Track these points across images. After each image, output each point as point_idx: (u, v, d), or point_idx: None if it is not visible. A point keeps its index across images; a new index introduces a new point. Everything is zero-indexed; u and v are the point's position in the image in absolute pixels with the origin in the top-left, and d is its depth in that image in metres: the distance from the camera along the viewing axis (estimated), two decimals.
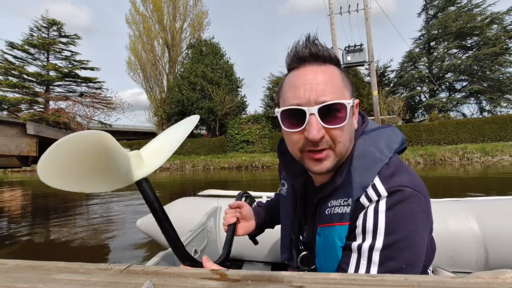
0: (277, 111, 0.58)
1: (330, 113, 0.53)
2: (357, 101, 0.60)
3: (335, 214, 0.58)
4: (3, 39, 27.96)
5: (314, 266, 0.68)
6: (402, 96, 19.83)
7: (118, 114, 25.49)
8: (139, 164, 0.48)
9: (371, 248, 0.51)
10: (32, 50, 22.93)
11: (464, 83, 19.08)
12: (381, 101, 16.01)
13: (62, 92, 24.38)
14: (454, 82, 19.46)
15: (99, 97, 23.93)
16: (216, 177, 9.61)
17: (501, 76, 16.99)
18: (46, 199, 6.21)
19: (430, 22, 20.21)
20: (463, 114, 19.57)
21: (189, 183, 8.17)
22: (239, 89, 20.76)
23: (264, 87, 20.90)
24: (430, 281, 0.29)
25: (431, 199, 1.48)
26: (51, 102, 22.80)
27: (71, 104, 21.97)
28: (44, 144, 3.42)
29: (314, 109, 0.52)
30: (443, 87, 19.92)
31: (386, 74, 21.68)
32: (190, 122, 0.60)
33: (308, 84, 0.54)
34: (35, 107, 22.69)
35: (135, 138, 29.54)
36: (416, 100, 20.56)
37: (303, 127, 0.54)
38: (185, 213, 1.65)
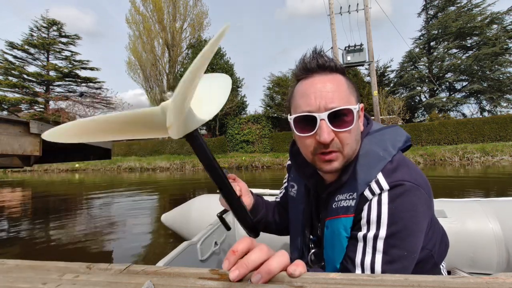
0: (290, 118, 0.64)
1: (338, 118, 0.58)
2: (362, 105, 0.65)
3: (341, 207, 0.63)
4: (3, 39, 27.95)
5: (323, 263, 0.71)
6: (402, 96, 19.81)
7: None
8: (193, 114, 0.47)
9: (376, 237, 0.56)
10: (32, 50, 22.90)
11: (464, 83, 19.04)
12: (381, 101, 16.00)
13: (62, 92, 24.37)
14: (454, 82, 19.43)
15: (99, 97, 23.91)
16: None
17: (501, 76, 16.96)
18: (46, 199, 6.21)
19: (430, 22, 20.19)
20: (463, 114, 19.56)
21: (189, 183, 8.17)
22: (239, 89, 20.76)
23: (264, 86, 20.91)
24: (430, 281, 0.29)
25: (450, 199, 1.48)
26: (51, 102, 22.79)
27: (71, 104, 21.96)
28: (46, 144, 3.40)
29: (324, 115, 0.58)
30: (443, 87, 19.89)
31: (386, 74, 21.66)
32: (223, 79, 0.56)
33: (318, 92, 0.59)
34: (35, 107, 22.68)
35: (135, 138, 29.50)
36: (416, 100, 20.53)
37: (314, 131, 0.59)
38: (206, 208, 1.76)
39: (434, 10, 20.10)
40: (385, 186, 0.58)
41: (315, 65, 0.62)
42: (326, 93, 0.59)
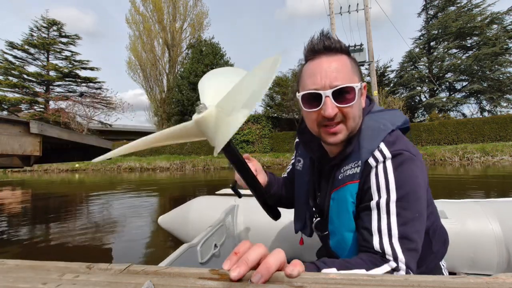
0: (298, 95, 0.70)
1: (341, 94, 0.64)
2: (364, 83, 0.71)
3: (347, 175, 0.68)
4: (3, 39, 27.92)
5: (326, 232, 0.76)
6: (402, 96, 19.80)
7: (118, 114, 25.44)
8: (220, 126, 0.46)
9: (388, 202, 0.60)
10: (32, 50, 22.90)
11: (464, 83, 19.03)
12: (381, 101, 15.99)
13: (62, 92, 24.36)
14: (454, 82, 19.42)
15: (99, 97, 23.91)
16: (216, 177, 9.61)
17: (501, 76, 16.95)
18: (46, 199, 6.21)
19: (430, 22, 20.18)
20: (463, 114, 19.54)
21: (189, 184, 8.17)
22: None
23: None
24: (430, 281, 0.29)
25: (450, 200, 1.50)
26: (51, 102, 22.79)
27: (71, 104, 21.97)
28: (46, 143, 3.39)
29: (329, 92, 0.64)
30: (443, 87, 19.88)
31: (386, 74, 21.64)
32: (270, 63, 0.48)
33: (324, 72, 0.65)
34: (35, 107, 22.68)
35: (135, 138, 29.42)
36: (416, 100, 20.52)
37: (320, 107, 0.65)
38: (205, 210, 1.73)
39: (434, 10, 20.09)
40: (388, 154, 0.64)
41: (322, 46, 0.67)
42: (331, 72, 0.64)
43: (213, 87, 0.54)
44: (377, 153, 0.65)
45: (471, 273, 1.18)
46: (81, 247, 2.77)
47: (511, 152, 10.21)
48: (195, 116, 0.42)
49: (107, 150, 4.41)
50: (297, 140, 0.93)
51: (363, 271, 0.51)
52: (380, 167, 0.63)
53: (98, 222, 3.73)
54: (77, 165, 16.55)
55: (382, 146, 0.65)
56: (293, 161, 1.01)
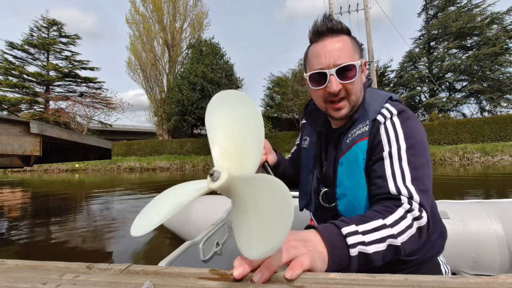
0: (306, 75, 0.77)
1: (344, 72, 0.71)
2: (364, 60, 0.77)
3: (356, 135, 0.74)
4: (3, 39, 27.90)
5: (334, 204, 0.77)
6: (402, 96, 19.79)
7: (118, 114, 25.46)
8: None
9: (399, 150, 0.66)
10: (32, 50, 22.92)
11: (464, 83, 19.02)
12: None
13: (62, 92, 24.37)
14: (454, 82, 19.41)
15: (99, 97, 23.93)
16: None
17: (501, 76, 16.93)
18: (46, 199, 6.21)
19: (430, 22, 20.17)
20: (463, 114, 19.53)
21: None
22: (239, 89, 20.75)
23: (264, 86, 20.91)
24: (430, 281, 0.29)
25: (452, 200, 1.50)
26: (51, 102, 22.80)
27: (71, 104, 21.98)
28: (47, 143, 3.39)
29: (333, 71, 0.70)
30: (443, 87, 19.87)
31: (386, 74, 21.64)
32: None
33: (328, 52, 0.71)
34: (35, 107, 22.69)
35: (135, 138, 29.53)
36: (416, 100, 20.52)
37: (325, 84, 0.72)
38: (207, 209, 1.74)
39: (434, 10, 20.08)
40: (394, 111, 0.71)
41: (325, 28, 0.73)
42: (334, 52, 0.71)
43: (222, 137, 0.49)
44: (384, 111, 0.72)
45: (473, 273, 1.18)
46: (81, 247, 2.77)
47: (511, 152, 10.21)
48: (210, 184, 0.41)
49: (108, 150, 4.42)
50: (303, 121, 1.00)
51: (380, 221, 0.53)
52: (388, 122, 0.70)
53: (98, 222, 3.73)
54: (77, 165, 16.56)
55: (387, 105, 0.73)
56: (298, 142, 1.06)
